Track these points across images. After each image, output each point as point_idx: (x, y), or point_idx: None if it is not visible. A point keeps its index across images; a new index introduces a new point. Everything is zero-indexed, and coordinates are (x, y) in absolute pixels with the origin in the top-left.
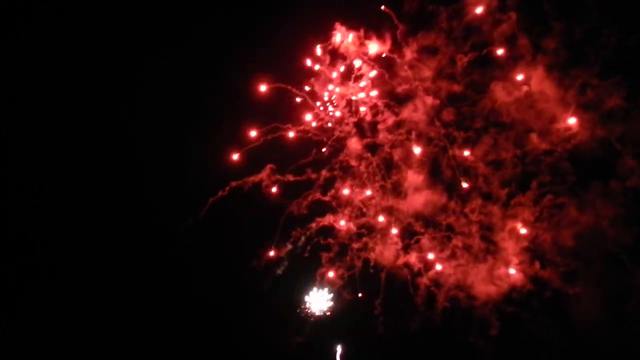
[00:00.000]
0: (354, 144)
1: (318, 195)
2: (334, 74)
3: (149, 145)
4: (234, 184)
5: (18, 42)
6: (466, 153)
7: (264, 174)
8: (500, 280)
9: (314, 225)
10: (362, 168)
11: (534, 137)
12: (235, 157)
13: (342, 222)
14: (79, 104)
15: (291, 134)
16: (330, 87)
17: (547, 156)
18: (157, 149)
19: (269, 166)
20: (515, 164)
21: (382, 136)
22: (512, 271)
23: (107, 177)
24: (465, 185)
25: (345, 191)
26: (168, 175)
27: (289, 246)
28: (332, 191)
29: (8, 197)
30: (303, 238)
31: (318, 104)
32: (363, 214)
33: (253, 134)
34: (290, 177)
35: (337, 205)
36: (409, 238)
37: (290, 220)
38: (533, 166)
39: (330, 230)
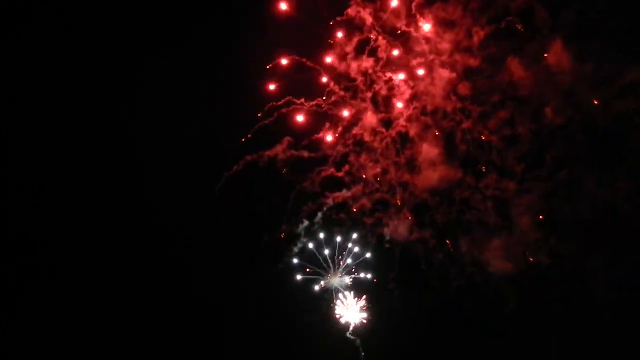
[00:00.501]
0: (369, 119)
1: (332, 170)
2: (349, 48)
3: (163, 118)
4: (249, 158)
5: (18, 42)
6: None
7: (279, 149)
8: (515, 255)
9: (328, 200)
10: (377, 143)
11: (550, 111)
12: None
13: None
14: (79, 90)
15: (305, 110)
16: (346, 61)
17: (563, 130)
18: (170, 123)
19: (286, 139)
20: (531, 139)
21: (397, 111)
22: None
23: (118, 152)
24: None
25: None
26: (183, 151)
27: (305, 222)
28: (346, 166)
29: (8, 196)
30: (319, 214)
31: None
32: (377, 190)
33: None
34: (305, 153)
35: (351, 181)
36: (422, 213)
37: (303, 196)
38: (549, 140)
39: (344, 206)
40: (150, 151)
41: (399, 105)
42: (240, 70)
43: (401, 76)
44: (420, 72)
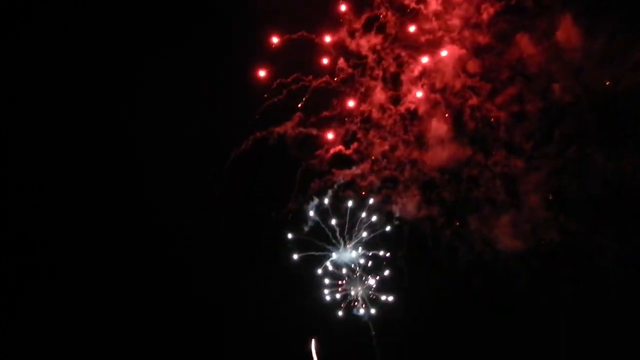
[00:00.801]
0: (378, 95)
1: (340, 148)
2: (358, 25)
3: (170, 96)
4: (258, 134)
5: (17, 40)
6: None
7: (288, 126)
8: (524, 232)
9: (337, 178)
10: (385, 120)
11: (559, 88)
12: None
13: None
14: (78, 89)
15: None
16: (354, 37)
17: (573, 107)
18: (177, 101)
19: (297, 115)
20: (540, 116)
21: (406, 88)
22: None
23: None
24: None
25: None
26: (190, 128)
27: (315, 199)
28: (355, 144)
29: (8, 196)
30: (330, 191)
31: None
32: (385, 168)
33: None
34: (314, 131)
35: (359, 159)
36: (431, 190)
37: (311, 173)
38: (558, 117)
39: (353, 183)
40: (152, 133)
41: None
42: (245, 48)
43: (425, 60)
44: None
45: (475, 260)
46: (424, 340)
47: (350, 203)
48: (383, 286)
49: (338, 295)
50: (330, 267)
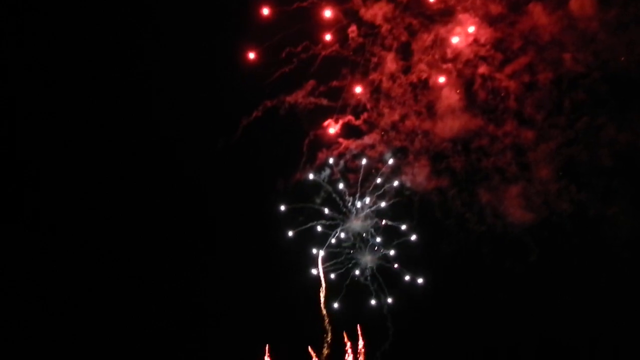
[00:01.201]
0: (388, 65)
1: (350, 117)
2: None
3: (180, 61)
4: (269, 104)
5: None
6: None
7: (299, 94)
8: (535, 204)
9: (347, 148)
10: (396, 89)
11: (571, 58)
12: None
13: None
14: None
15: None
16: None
17: (585, 78)
18: (188, 67)
19: (310, 82)
20: (552, 86)
21: (417, 57)
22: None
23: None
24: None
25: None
26: (201, 95)
27: (326, 170)
28: (365, 114)
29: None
30: (342, 162)
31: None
32: (395, 138)
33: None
34: (324, 101)
35: (369, 129)
36: (441, 161)
37: (320, 143)
38: (570, 87)
39: (362, 154)
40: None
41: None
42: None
43: (455, 39)
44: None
45: (486, 232)
46: (434, 312)
47: (364, 161)
48: (394, 257)
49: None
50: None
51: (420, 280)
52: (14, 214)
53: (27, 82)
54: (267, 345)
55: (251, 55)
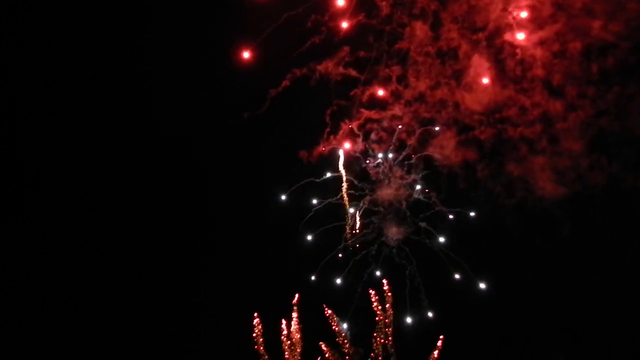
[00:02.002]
0: (416, 32)
1: (377, 88)
2: None
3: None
4: (298, 73)
5: None
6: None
7: (329, 63)
8: (564, 176)
9: (374, 118)
10: (422, 58)
11: (601, 25)
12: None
13: None
14: None
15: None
16: None
17: (615, 47)
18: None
19: (344, 48)
20: (582, 55)
21: (447, 26)
22: None
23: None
24: None
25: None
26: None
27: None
28: (392, 85)
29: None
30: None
31: None
32: (423, 109)
33: None
34: (353, 71)
35: (396, 99)
36: (469, 132)
37: (346, 114)
38: (600, 57)
39: (389, 125)
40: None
41: None
42: None
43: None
44: None
45: (516, 205)
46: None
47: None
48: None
49: None
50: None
51: (442, 240)
52: (14, 214)
53: (27, 82)
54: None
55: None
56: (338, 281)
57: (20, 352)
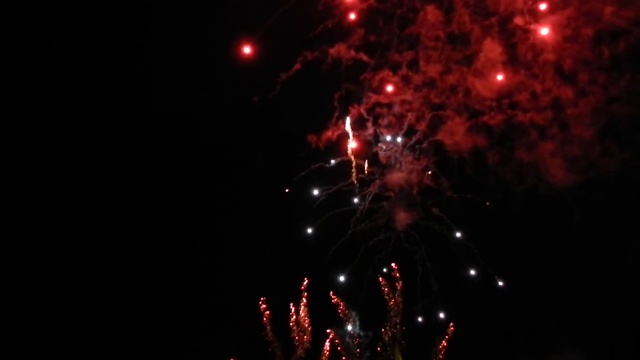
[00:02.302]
0: (428, 16)
1: (388, 72)
2: None
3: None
4: (310, 56)
5: None
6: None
7: (340, 47)
8: (575, 162)
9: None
10: (432, 42)
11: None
12: None
13: None
14: None
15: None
16: None
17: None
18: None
19: (358, 31)
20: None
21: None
22: None
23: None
24: None
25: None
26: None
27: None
28: (403, 70)
29: None
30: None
31: None
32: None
33: None
34: (363, 56)
35: (406, 84)
36: (480, 118)
37: (354, 98)
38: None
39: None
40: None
41: None
42: None
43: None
44: None
45: (527, 191)
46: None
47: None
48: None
49: None
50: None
51: (458, 234)
52: (14, 213)
53: (26, 82)
54: None
55: None
56: (346, 270)
57: (20, 352)
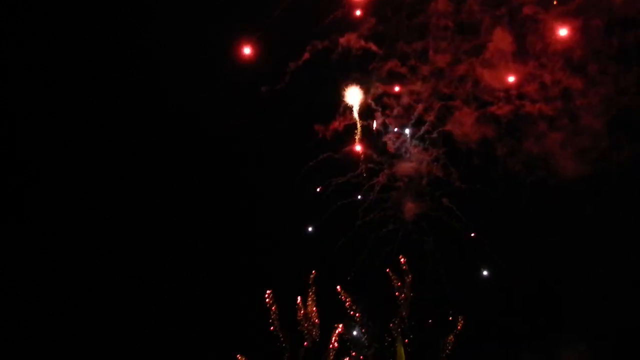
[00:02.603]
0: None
1: (396, 62)
2: None
3: None
4: (320, 46)
5: None
6: None
7: (350, 37)
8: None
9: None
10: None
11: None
12: None
13: None
14: None
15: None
16: None
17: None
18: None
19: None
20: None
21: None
22: None
23: None
24: None
25: None
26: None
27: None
28: (411, 60)
29: None
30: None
31: None
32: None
33: None
34: (372, 45)
35: (415, 74)
36: (489, 108)
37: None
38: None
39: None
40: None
41: None
42: None
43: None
44: None
45: (537, 182)
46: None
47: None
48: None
49: None
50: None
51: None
52: (14, 212)
53: (26, 82)
54: None
55: None
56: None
57: (20, 352)
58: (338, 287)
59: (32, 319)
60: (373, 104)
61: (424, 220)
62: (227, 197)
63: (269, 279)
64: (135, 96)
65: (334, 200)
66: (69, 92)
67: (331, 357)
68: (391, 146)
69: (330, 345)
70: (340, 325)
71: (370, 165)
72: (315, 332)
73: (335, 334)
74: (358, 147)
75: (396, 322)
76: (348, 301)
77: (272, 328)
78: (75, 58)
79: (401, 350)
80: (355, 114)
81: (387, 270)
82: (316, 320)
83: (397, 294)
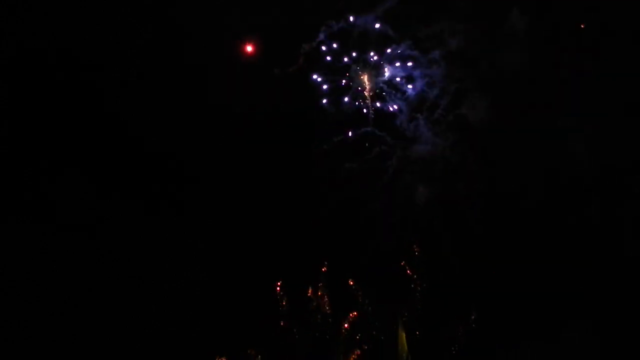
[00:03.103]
0: None
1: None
2: None
3: None
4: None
5: None
6: None
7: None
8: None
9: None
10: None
11: None
12: None
13: None
14: None
15: None
16: None
17: None
18: None
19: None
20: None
21: None
22: None
23: None
24: None
25: None
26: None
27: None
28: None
29: None
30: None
31: None
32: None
33: None
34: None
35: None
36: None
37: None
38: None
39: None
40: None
41: None
42: None
43: None
44: None
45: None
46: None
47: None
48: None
49: None
50: None
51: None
52: (14, 213)
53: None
54: None
55: None
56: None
57: (20, 352)
58: (349, 279)
59: (32, 319)
60: (386, 87)
61: (439, 206)
62: (236, 185)
63: (279, 270)
64: (140, 92)
65: (346, 184)
66: (69, 92)
67: (342, 348)
68: (405, 130)
69: (341, 335)
70: (353, 314)
71: (384, 148)
72: (327, 322)
73: (346, 325)
74: (370, 130)
75: (404, 312)
76: (359, 291)
77: (281, 322)
78: (72, 57)
79: (403, 339)
80: (368, 97)
81: (400, 260)
82: (328, 310)
83: (410, 282)
